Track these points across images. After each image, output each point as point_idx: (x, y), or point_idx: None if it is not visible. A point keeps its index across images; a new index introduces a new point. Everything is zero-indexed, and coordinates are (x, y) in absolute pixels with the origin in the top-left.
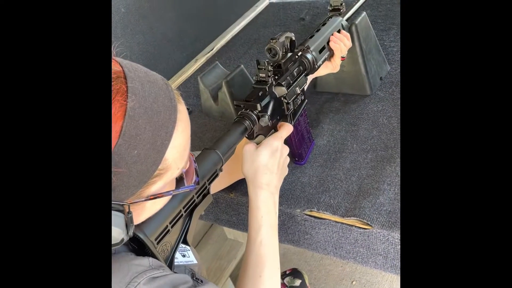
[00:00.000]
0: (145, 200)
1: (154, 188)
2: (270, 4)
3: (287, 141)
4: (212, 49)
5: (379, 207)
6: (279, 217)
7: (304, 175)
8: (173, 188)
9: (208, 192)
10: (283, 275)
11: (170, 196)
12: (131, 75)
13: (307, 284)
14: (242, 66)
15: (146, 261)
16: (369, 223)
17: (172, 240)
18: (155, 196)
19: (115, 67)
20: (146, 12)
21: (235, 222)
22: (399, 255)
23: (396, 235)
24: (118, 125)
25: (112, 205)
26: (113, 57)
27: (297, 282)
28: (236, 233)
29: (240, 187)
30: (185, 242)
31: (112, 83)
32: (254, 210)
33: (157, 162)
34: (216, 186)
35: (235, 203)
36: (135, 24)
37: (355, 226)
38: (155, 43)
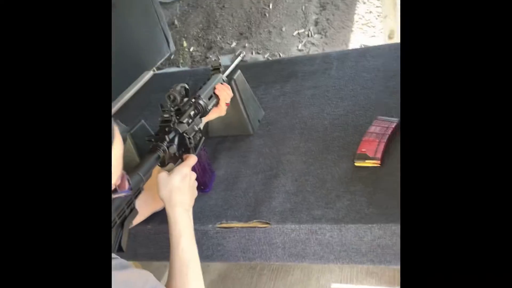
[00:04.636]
0: None
1: None
2: (155, 75)
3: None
4: None
5: (273, 209)
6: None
7: (211, 199)
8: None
9: (134, 207)
10: None
11: None
12: None
13: None
14: (142, 120)
15: None
16: (267, 221)
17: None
18: None
19: None
20: None
21: (154, 253)
22: (294, 244)
23: (288, 227)
24: None
25: None
26: None
27: None
28: None
29: (156, 217)
30: (120, 249)
31: None
32: (173, 224)
33: None
34: (136, 219)
35: (153, 233)
36: None
37: (257, 227)
38: None
